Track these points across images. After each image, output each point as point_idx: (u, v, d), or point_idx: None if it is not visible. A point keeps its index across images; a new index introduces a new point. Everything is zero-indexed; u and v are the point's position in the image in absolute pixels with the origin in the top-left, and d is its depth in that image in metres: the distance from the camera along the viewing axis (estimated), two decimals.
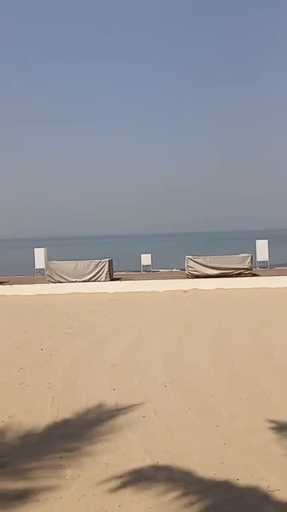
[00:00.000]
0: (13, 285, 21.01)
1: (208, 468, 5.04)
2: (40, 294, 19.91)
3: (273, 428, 6.13)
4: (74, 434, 6.15)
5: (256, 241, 23.95)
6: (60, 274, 21.30)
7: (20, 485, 4.89)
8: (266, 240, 23.87)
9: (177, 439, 5.86)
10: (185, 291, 19.00)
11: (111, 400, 7.26)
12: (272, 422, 6.33)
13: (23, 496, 4.65)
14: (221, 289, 19.29)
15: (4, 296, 19.97)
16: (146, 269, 25.19)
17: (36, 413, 6.91)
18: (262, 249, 23.65)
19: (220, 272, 20.73)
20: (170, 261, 31.09)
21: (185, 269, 21.70)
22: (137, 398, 7.30)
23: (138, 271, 25.83)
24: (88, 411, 6.90)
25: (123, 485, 4.78)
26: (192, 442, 5.73)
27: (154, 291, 19.38)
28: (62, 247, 70.98)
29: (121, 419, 6.52)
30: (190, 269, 21.08)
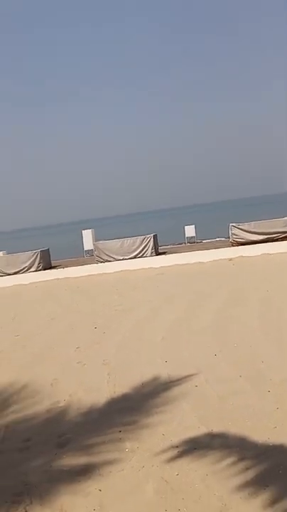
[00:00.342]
0: (65, 268, 21.63)
1: (262, 434, 5.18)
2: (90, 275, 20.38)
3: None
4: (131, 407, 6.43)
5: None
6: (107, 253, 21.70)
7: (83, 460, 5.21)
8: None
9: (230, 406, 6.02)
10: (230, 260, 18.93)
11: (164, 373, 7.50)
12: None
13: (86, 470, 4.96)
14: (268, 254, 19.05)
15: (57, 279, 20.60)
16: (190, 240, 25.17)
17: (94, 390, 7.24)
18: None
19: (265, 236, 20.44)
20: (213, 230, 30.83)
21: (229, 238, 21.57)
22: (189, 369, 7.49)
23: (182, 243, 25.87)
24: (143, 384, 7.16)
25: (180, 454, 5.01)
26: (245, 409, 5.88)
27: (199, 262, 19.42)
28: (104, 228, 71.70)
29: (175, 391, 6.74)
30: (235, 236, 20.91)
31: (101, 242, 22.86)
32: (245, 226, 20.89)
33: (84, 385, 7.50)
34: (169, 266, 19.63)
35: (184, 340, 9.07)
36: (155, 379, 7.29)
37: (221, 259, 19.20)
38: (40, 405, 7.00)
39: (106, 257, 21.61)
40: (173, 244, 26.61)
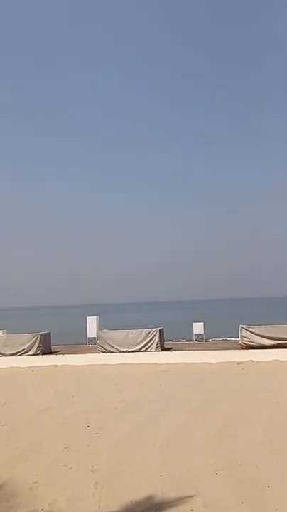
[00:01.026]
0: (65, 355, 20.94)
1: None
2: (90, 365, 19.62)
3: None
4: None
5: None
6: (110, 343, 21.05)
7: None
8: None
9: None
10: (239, 363, 18.14)
11: (157, 489, 6.70)
12: None
13: None
14: (279, 360, 18.26)
15: (55, 366, 19.84)
16: (199, 338, 24.51)
17: (78, 500, 6.46)
18: None
19: (277, 342, 19.74)
20: (224, 329, 30.22)
21: (238, 338, 20.90)
22: (185, 487, 6.70)
23: (191, 340, 25.18)
24: (132, 501, 6.36)
25: None
26: None
27: (206, 363, 18.62)
28: (110, 315, 71.18)
29: None
30: (245, 339, 20.24)
31: (104, 331, 22.29)
32: (256, 329, 20.27)
33: (67, 494, 6.69)
34: (175, 364, 18.83)
35: (184, 452, 8.25)
36: (147, 496, 6.47)
37: (229, 362, 18.40)
38: None
39: (109, 348, 20.93)
40: (180, 340, 25.95)
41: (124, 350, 20.74)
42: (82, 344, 24.98)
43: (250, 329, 20.30)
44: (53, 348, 23.01)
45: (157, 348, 20.72)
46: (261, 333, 20.03)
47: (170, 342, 24.25)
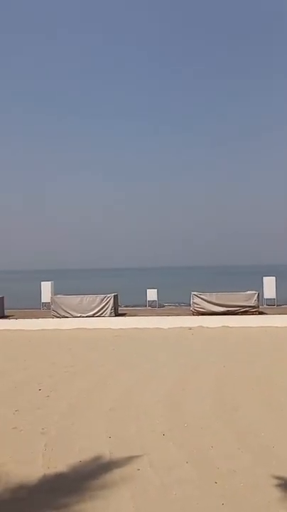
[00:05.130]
0: (18, 319, 20.83)
1: None
2: (44, 329, 19.65)
3: (276, 485, 5.75)
4: (63, 488, 5.81)
5: (263, 278, 23.64)
6: (64, 308, 21.11)
7: None
8: (274, 277, 23.55)
9: (172, 496, 5.50)
10: (189, 329, 18.63)
11: (105, 450, 6.92)
12: (275, 478, 5.95)
13: None
14: (227, 327, 18.90)
15: (8, 330, 19.74)
16: (152, 304, 24.92)
17: (27, 462, 6.58)
18: (269, 286, 23.33)
19: (226, 309, 20.39)
20: (176, 296, 30.83)
21: (190, 305, 21.42)
22: (133, 448, 6.95)
23: (144, 305, 25.57)
24: (80, 462, 6.55)
25: None
26: (188, 501, 5.37)
27: (159, 328, 19.04)
28: (70, 280, 71.00)
29: (115, 473, 6.17)
30: (196, 305, 20.77)
31: (59, 296, 22.28)
32: (207, 296, 20.81)
33: (17, 456, 6.81)
34: (127, 329, 19.15)
35: (133, 414, 8.52)
36: (95, 457, 6.69)
37: (180, 328, 18.88)
38: None
39: (63, 313, 20.99)
40: (134, 307, 26.30)
41: (78, 315, 20.87)
42: (36, 309, 24.89)
43: (201, 296, 20.82)
44: (6, 312, 22.83)
45: (111, 313, 20.96)
46: (212, 300, 20.62)
47: (124, 308, 24.55)
